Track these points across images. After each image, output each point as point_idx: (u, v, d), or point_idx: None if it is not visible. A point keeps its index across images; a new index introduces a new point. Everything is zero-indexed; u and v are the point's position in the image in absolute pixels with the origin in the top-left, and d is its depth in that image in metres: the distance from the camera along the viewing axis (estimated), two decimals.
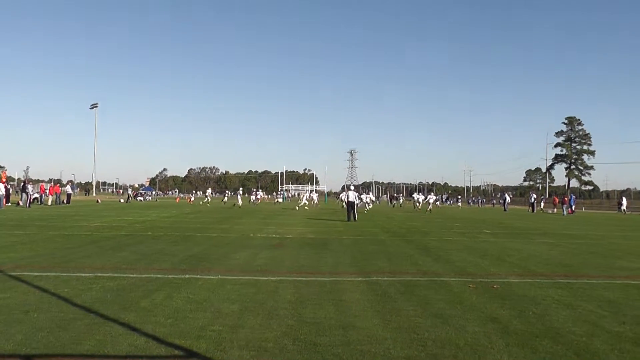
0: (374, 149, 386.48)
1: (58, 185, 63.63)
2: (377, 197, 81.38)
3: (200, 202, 77.93)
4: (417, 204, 65.90)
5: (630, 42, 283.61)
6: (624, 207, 73.91)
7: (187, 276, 11.53)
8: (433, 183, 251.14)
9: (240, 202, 64.09)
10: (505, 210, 71.50)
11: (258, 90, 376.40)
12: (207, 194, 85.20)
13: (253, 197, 78.92)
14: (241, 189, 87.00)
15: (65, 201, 58.18)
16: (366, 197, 60.25)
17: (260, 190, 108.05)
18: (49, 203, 53.83)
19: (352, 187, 42.66)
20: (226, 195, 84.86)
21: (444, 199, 76.27)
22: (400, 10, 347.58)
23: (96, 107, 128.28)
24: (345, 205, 40.01)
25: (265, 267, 13.28)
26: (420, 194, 78.30)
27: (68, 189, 62.94)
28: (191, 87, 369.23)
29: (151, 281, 10.83)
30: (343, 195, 48.85)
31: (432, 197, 62.97)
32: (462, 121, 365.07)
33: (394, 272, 13.09)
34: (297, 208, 56.99)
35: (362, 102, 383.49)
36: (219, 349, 6.45)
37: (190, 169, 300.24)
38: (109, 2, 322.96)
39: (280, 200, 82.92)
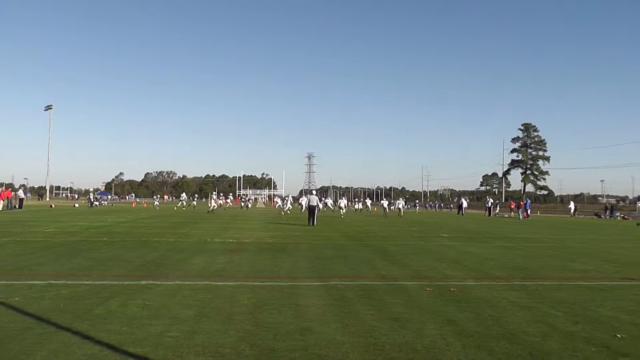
0: (332, 153, 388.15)
1: (10, 189, 62.44)
2: (359, 203, 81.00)
3: (175, 207, 77.30)
4: (385, 210, 66.78)
5: (585, 51, 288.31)
6: (571, 210, 76.04)
7: (143, 282, 11.40)
8: (391, 188, 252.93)
9: (214, 205, 63.88)
10: (459, 214, 72.09)
11: (215, 94, 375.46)
12: (181, 198, 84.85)
13: (222, 201, 78.64)
14: (216, 193, 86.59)
15: (17, 206, 57.24)
16: (340, 202, 60.82)
17: (230, 195, 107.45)
18: (0, 208, 52.90)
19: (313, 192, 42.63)
20: (194, 199, 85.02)
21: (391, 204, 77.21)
22: (354, 16, 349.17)
23: (50, 109, 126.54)
24: (304, 210, 40.07)
25: (223, 272, 13.21)
26: (385, 199, 79.45)
27: (20, 193, 61.96)
28: (148, 90, 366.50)
29: (106, 288, 10.67)
30: (303, 200, 49.05)
31: (400, 202, 64.63)
32: (420, 127, 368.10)
33: (352, 276, 13.11)
34: (282, 214, 57.04)
35: (320, 106, 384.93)
36: (175, 355, 6.37)
37: (147, 173, 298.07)
38: (63, 3, 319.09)
39: (249, 205, 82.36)
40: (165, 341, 6.92)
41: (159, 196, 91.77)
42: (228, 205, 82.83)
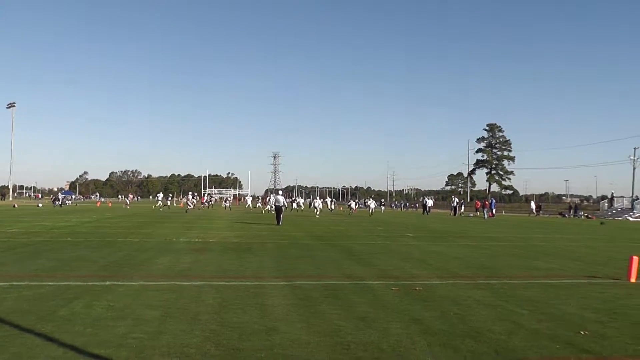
0: (298, 153, 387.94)
1: None
2: (331, 202, 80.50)
3: (153, 207, 76.80)
4: (351, 210, 67.47)
5: (550, 52, 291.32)
6: (532, 209, 77.01)
7: (107, 283, 11.30)
8: (356, 187, 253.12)
9: (190, 206, 63.82)
10: (424, 214, 72.49)
11: (182, 92, 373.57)
12: (158, 197, 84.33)
13: (195, 200, 78.17)
14: (191, 193, 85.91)
15: None
16: (315, 202, 61.66)
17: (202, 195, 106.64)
18: None
19: (280, 192, 42.98)
20: (168, 199, 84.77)
21: (365, 203, 77.25)
22: (316, 14, 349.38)
23: (13, 106, 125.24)
24: (272, 209, 40.37)
25: (188, 272, 13.16)
26: (353, 200, 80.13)
27: None
28: (112, 89, 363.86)
29: (70, 289, 10.57)
30: (271, 200, 49.50)
31: (372, 202, 65.60)
32: (386, 126, 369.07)
33: (318, 276, 13.13)
34: (263, 212, 57.42)
35: (286, 106, 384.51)
36: (140, 356, 6.32)
37: (112, 173, 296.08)
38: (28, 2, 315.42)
39: (227, 204, 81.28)
40: (129, 342, 6.86)
41: (130, 196, 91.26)
42: (203, 205, 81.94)
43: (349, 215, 58.69)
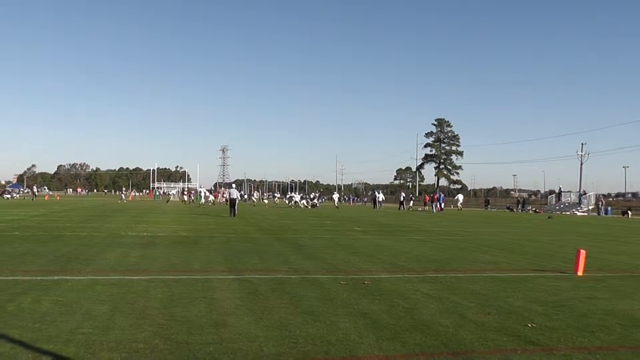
0: (246, 146, 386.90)
1: None
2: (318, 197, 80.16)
3: (119, 201, 75.90)
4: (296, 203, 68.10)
5: (498, 46, 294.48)
6: (459, 203, 77.75)
7: (55, 278, 11.20)
8: (305, 181, 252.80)
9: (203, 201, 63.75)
10: (375, 208, 72.78)
11: (129, 84, 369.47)
12: (123, 193, 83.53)
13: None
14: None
15: None
16: (296, 197, 62.77)
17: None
18: None
19: (233, 185, 44.78)
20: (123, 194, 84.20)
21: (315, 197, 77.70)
22: (268, 6, 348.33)
23: None
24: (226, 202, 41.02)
25: (137, 266, 13.10)
26: (294, 193, 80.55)
27: None
28: (60, 79, 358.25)
29: (18, 284, 10.45)
30: (225, 193, 50.48)
31: (336, 195, 67.53)
32: (335, 120, 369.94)
33: (266, 269, 13.16)
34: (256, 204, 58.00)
35: (233, 98, 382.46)
36: (88, 352, 6.30)
37: (60, 166, 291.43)
38: None
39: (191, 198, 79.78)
40: (77, 338, 6.82)
41: (125, 190, 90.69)
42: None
43: (294, 209, 59.34)
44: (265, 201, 60.13)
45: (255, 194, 67.17)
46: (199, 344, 6.72)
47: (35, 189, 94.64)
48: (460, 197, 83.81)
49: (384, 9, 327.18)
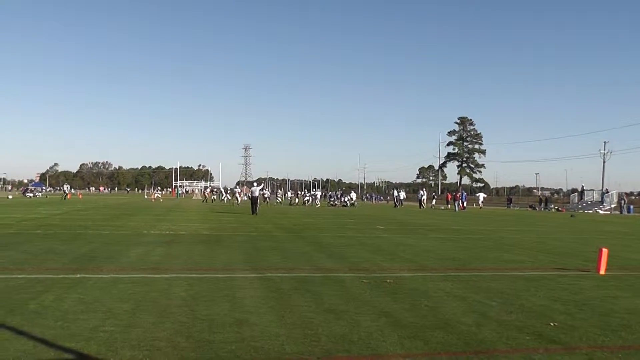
0: (269, 145, 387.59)
1: None
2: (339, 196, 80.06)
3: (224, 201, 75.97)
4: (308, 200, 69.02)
5: (520, 47, 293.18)
6: (480, 201, 77.31)
7: (78, 276, 11.23)
8: (327, 179, 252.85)
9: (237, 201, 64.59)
10: (395, 206, 72.70)
11: (152, 83, 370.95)
12: (158, 192, 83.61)
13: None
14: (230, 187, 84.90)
15: None
16: (309, 194, 63.97)
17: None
18: None
19: (255, 184, 46.72)
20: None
21: (338, 196, 77.43)
22: (288, 6, 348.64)
23: None
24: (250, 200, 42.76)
25: (159, 265, 13.13)
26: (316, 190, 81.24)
27: None
28: (83, 79, 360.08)
29: (40, 282, 10.49)
30: (249, 192, 52.47)
31: (353, 194, 68.04)
32: (357, 118, 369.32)
33: (288, 268, 13.15)
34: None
35: (256, 97, 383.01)
36: (110, 349, 6.30)
37: (83, 164, 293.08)
38: None
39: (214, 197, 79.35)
40: (99, 335, 6.83)
41: (158, 189, 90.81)
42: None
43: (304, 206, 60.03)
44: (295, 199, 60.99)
45: (288, 194, 68.49)
46: (221, 342, 6.70)
47: (66, 188, 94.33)
48: (482, 195, 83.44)
49: (408, 5, 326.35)
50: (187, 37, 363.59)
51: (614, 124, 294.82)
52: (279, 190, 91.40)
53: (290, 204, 70.58)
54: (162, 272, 12.03)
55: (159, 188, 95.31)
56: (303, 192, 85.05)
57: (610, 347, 7.06)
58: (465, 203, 68.08)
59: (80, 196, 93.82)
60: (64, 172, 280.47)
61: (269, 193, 72.46)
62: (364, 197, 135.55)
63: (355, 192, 78.21)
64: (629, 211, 69.88)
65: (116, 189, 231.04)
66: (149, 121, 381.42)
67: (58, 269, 12.19)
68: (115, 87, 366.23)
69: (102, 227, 24.73)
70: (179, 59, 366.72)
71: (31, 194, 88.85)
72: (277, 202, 73.44)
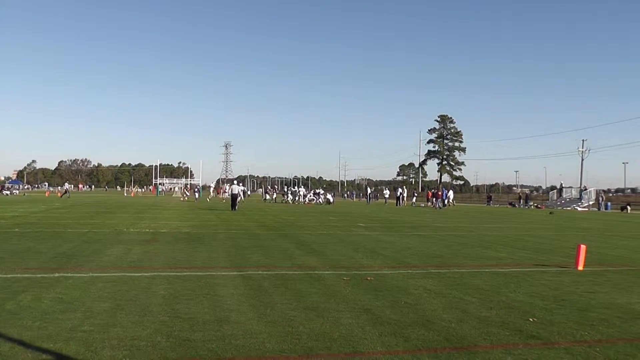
0: (249, 142, 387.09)
1: None
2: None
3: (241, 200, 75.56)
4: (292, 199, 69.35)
5: (499, 46, 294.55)
6: (451, 199, 77.24)
7: (56, 275, 11.14)
8: (308, 177, 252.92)
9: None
10: (368, 203, 73.34)
11: (131, 80, 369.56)
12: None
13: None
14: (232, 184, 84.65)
15: None
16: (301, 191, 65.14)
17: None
18: None
19: (235, 182, 49.07)
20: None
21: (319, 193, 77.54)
22: (267, 4, 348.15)
23: None
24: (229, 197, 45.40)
25: (139, 263, 13.05)
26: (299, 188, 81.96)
27: None
28: (62, 75, 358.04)
29: (17, 281, 10.37)
30: (227, 188, 53.54)
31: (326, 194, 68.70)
32: (338, 115, 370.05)
33: (269, 266, 13.12)
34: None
35: (236, 94, 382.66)
36: (89, 350, 6.25)
37: (61, 161, 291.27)
38: None
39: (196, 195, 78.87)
40: (78, 335, 6.76)
41: (188, 188, 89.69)
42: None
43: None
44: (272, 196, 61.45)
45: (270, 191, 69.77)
46: (202, 340, 6.67)
47: (67, 186, 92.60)
48: (451, 193, 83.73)
49: (388, 1, 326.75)
50: (167, 34, 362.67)
51: (592, 122, 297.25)
52: (270, 188, 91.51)
53: (275, 201, 71.11)
54: (142, 270, 11.96)
55: (188, 186, 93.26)
56: (288, 190, 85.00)
57: (589, 341, 7.18)
58: (446, 201, 68.32)
59: (59, 195, 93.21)
60: (42, 169, 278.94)
61: (245, 190, 72.88)
62: (345, 194, 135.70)
63: (328, 191, 78.90)
64: (606, 208, 70.71)
65: (92, 186, 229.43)
66: (129, 118, 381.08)
67: (36, 268, 12.07)
68: (94, 83, 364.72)
69: (81, 225, 24.54)
70: (158, 56, 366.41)
71: (8, 192, 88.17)
72: (271, 200, 73.75)
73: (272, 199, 75.66)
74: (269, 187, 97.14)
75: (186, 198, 72.79)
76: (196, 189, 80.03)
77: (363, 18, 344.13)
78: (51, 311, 8.04)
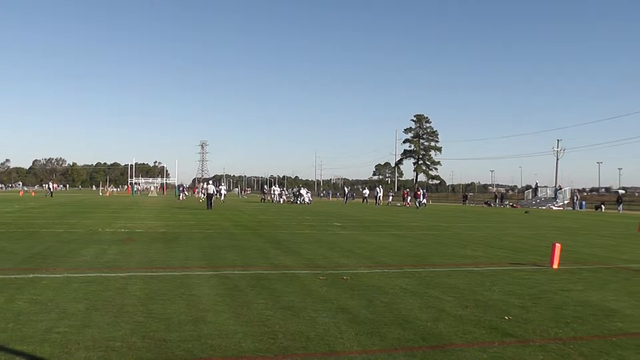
0: (225, 141, 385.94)
1: None
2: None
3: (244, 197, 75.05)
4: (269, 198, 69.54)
5: (474, 46, 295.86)
6: (420, 199, 77.03)
7: (30, 276, 11.04)
8: (284, 176, 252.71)
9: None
10: (345, 203, 73.39)
11: (107, 78, 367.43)
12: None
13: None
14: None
15: None
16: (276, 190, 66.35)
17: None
18: None
19: (210, 182, 51.13)
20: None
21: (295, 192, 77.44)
22: (243, 4, 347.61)
23: None
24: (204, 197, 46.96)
25: (114, 263, 12.97)
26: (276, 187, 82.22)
27: None
28: (35, 72, 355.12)
29: None
30: (203, 188, 54.83)
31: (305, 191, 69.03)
32: (314, 115, 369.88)
33: (245, 265, 13.12)
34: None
35: (212, 93, 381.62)
36: (64, 351, 6.20)
37: (35, 160, 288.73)
38: None
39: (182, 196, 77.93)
40: (53, 337, 6.72)
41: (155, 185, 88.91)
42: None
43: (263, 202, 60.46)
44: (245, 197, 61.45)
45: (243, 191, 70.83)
46: (178, 340, 6.66)
47: (51, 185, 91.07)
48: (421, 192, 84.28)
49: (363, 5, 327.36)
50: (142, 33, 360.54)
51: (567, 122, 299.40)
52: (269, 188, 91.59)
53: (272, 202, 71.14)
54: (117, 270, 11.89)
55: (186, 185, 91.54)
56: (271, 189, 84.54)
57: (563, 338, 7.26)
58: (424, 200, 68.58)
59: (33, 194, 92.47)
60: (17, 168, 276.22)
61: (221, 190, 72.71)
62: (321, 194, 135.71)
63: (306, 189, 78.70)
64: (581, 207, 71.30)
65: (67, 186, 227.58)
66: (104, 117, 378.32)
67: (10, 269, 11.96)
68: (69, 82, 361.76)
69: (56, 225, 24.36)
70: (134, 54, 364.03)
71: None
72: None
73: (274, 200, 73.56)
74: (266, 187, 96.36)
75: (184, 198, 72.38)
76: (181, 189, 79.63)
77: (338, 18, 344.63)
78: (25, 312, 7.98)
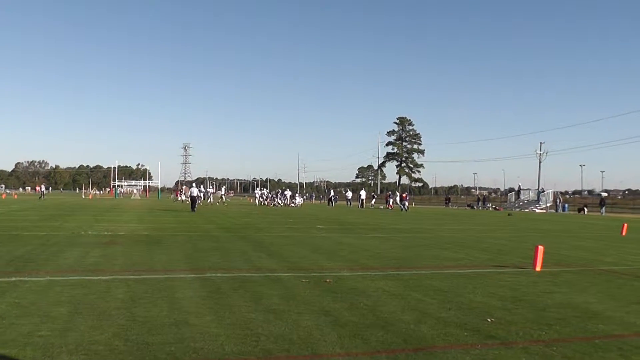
0: (208, 144, 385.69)
1: None
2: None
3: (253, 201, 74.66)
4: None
5: (456, 48, 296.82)
6: (398, 200, 76.63)
7: (12, 279, 10.97)
8: (267, 179, 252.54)
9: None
10: (329, 206, 73.35)
11: (89, 81, 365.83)
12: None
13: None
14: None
15: None
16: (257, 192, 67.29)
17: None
18: None
19: (194, 185, 50.61)
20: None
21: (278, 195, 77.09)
22: (233, 10, 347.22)
23: None
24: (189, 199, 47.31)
25: (97, 266, 12.92)
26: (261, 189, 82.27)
27: None
28: (18, 75, 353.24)
29: None
30: (187, 191, 55.67)
31: (289, 193, 69.32)
32: (297, 118, 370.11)
33: (228, 268, 13.11)
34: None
35: (195, 96, 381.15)
36: (46, 355, 6.17)
37: (18, 163, 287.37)
38: None
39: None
40: (35, 341, 6.68)
41: (138, 187, 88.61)
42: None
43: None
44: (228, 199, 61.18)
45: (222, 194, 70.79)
46: (160, 344, 6.64)
47: (43, 188, 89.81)
48: (397, 195, 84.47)
49: (346, 4, 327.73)
50: (124, 34, 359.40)
51: (550, 125, 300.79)
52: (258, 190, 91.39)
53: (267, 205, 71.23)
54: (100, 274, 11.85)
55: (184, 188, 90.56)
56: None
57: (546, 340, 7.28)
58: (407, 203, 68.77)
59: (15, 196, 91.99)
60: None
61: (206, 192, 72.75)
62: (304, 196, 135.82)
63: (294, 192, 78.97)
64: (563, 210, 71.89)
65: (50, 188, 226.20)
66: (87, 119, 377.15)
67: None
68: (51, 84, 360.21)
69: (38, 228, 24.25)
70: (116, 57, 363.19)
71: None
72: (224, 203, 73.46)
73: (276, 202, 71.95)
74: (265, 190, 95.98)
75: (184, 199, 72.09)
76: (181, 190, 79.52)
77: (321, 18, 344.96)
78: (7, 316, 7.93)
